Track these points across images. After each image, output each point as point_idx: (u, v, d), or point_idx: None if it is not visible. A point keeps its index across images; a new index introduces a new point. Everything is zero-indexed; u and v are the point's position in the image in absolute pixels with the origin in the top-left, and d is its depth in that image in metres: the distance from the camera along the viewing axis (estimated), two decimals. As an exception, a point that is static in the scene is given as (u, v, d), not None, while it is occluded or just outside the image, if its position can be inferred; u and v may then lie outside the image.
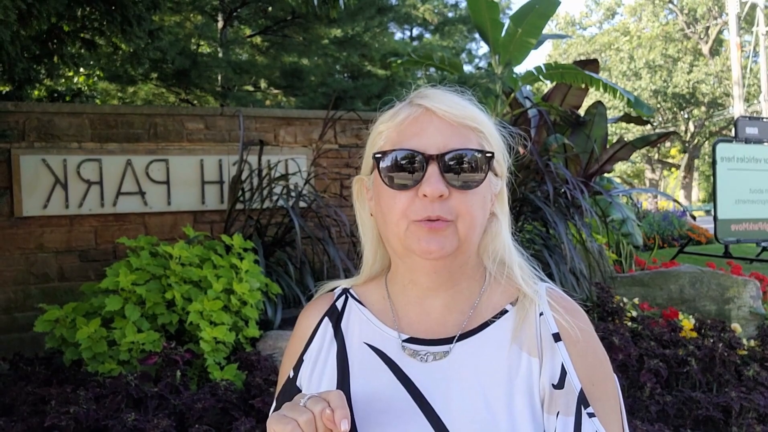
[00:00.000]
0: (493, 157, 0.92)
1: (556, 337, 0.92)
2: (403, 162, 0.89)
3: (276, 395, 1.03)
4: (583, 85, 7.37)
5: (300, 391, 0.97)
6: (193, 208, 4.53)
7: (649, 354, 3.49)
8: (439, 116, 0.90)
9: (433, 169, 0.87)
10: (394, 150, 0.90)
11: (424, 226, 0.87)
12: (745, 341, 3.84)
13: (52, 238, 4.15)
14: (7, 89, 4.64)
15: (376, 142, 0.95)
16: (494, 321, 0.95)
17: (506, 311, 0.96)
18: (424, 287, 0.95)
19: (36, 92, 6.45)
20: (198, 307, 3.16)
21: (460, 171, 0.88)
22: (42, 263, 4.12)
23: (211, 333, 3.07)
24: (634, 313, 4.23)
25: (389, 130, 0.94)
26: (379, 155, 0.91)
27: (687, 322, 4.06)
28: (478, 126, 0.92)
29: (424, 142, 0.89)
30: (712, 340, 3.72)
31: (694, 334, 3.95)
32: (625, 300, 4.37)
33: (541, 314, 0.94)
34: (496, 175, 0.96)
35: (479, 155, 0.90)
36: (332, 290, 1.07)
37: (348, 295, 1.05)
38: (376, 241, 1.02)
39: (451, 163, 0.88)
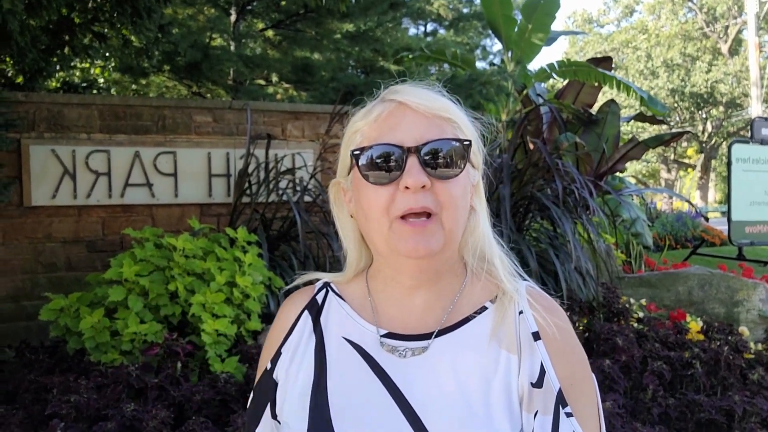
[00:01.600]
0: (470, 145, 0.92)
1: (536, 336, 0.91)
2: (382, 157, 0.88)
3: (253, 388, 1.03)
4: (597, 83, 7.31)
5: (276, 384, 0.98)
6: (200, 200, 4.55)
7: (653, 356, 3.46)
8: (412, 109, 0.90)
9: (412, 161, 0.87)
10: (371, 146, 0.90)
11: (408, 225, 0.87)
12: (752, 345, 3.80)
13: (60, 227, 4.19)
14: (19, 80, 4.68)
15: (353, 141, 0.95)
16: (474, 317, 0.94)
17: (485, 308, 0.96)
18: (408, 285, 0.95)
19: (53, 83, 6.50)
20: (200, 299, 3.17)
21: (440, 161, 0.88)
22: (50, 253, 4.16)
23: (212, 325, 3.08)
24: (641, 314, 4.20)
25: (365, 128, 0.93)
26: (357, 152, 0.91)
27: (694, 325, 4.02)
28: (451, 117, 0.92)
29: (401, 136, 0.89)
30: (718, 343, 3.67)
31: (701, 337, 3.90)
32: (632, 301, 4.34)
33: (520, 312, 0.94)
34: (473, 166, 0.96)
35: (457, 144, 0.90)
36: (313, 283, 1.07)
37: (328, 289, 1.05)
38: (358, 243, 1.02)
39: (430, 154, 0.88)
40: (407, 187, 0.86)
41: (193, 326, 3.24)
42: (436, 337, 0.93)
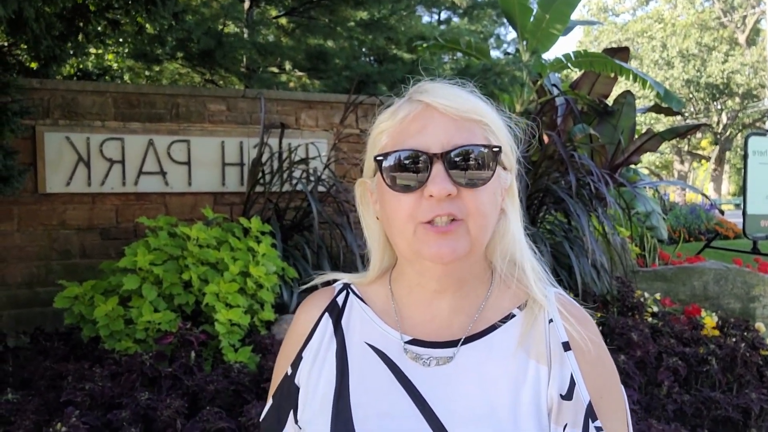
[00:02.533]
0: (500, 151, 0.88)
1: (566, 347, 0.89)
2: (406, 162, 0.85)
3: (272, 392, 1.00)
4: (613, 74, 7.22)
5: (298, 389, 0.95)
6: (214, 189, 4.54)
7: (669, 351, 3.43)
8: (440, 111, 0.86)
9: (438, 167, 0.83)
10: (395, 151, 0.86)
11: (432, 230, 0.84)
12: (768, 341, 3.76)
13: (74, 215, 4.20)
14: (34, 65, 4.68)
15: (377, 142, 0.92)
16: (501, 325, 0.91)
17: (513, 315, 0.92)
18: (432, 290, 0.92)
19: (70, 69, 6.50)
20: (214, 288, 3.17)
21: (467, 168, 0.84)
22: (64, 240, 4.18)
23: (226, 315, 3.08)
24: (655, 309, 4.16)
25: (390, 130, 0.90)
26: (380, 157, 0.87)
27: (709, 320, 3.98)
28: (482, 119, 0.88)
29: (427, 140, 0.85)
30: (734, 339, 3.64)
31: (717, 333, 3.87)
32: (646, 295, 4.30)
33: (550, 321, 0.91)
34: (504, 168, 0.92)
35: (486, 150, 0.86)
36: (332, 284, 1.04)
37: (349, 291, 1.01)
38: (383, 245, 0.98)
39: (457, 160, 0.84)
40: (431, 195, 0.83)
41: (207, 316, 3.25)
42: (462, 345, 0.90)
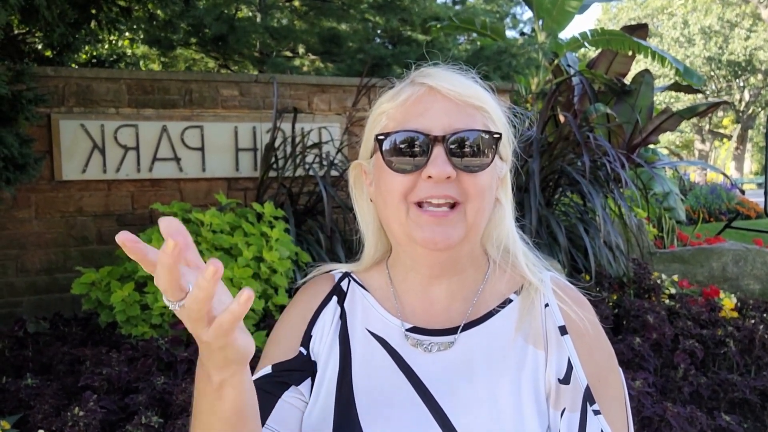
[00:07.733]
0: (500, 138, 0.87)
1: (563, 330, 0.89)
2: (407, 143, 0.85)
3: (269, 361, 0.93)
4: (631, 52, 7.11)
5: (314, 364, 0.92)
6: (227, 174, 4.56)
7: (685, 334, 3.40)
8: (443, 95, 0.86)
9: (438, 150, 0.83)
10: (397, 131, 0.86)
11: (427, 214, 0.84)
12: (788, 323, 3.70)
13: (90, 202, 4.24)
14: (48, 54, 4.70)
15: (378, 123, 0.91)
16: (499, 310, 0.92)
17: (510, 300, 0.93)
18: (427, 275, 0.92)
19: (84, 56, 6.53)
20: (228, 274, 3.19)
21: (467, 153, 0.84)
22: (81, 226, 4.22)
23: (240, 300, 3.10)
24: (673, 291, 4.12)
25: (391, 111, 0.89)
26: (381, 137, 0.87)
27: (728, 302, 3.93)
28: (483, 105, 0.88)
29: (429, 123, 0.85)
30: (753, 321, 3.59)
31: (735, 314, 3.82)
32: (663, 277, 4.25)
33: (546, 305, 0.91)
34: (501, 158, 0.92)
35: (486, 136, 0.85)
36: (330, 273, 1.03)
37: (350, 278, 1.01)
38: (377, 229, 0.98)
39: (457, 144, 0.84)
40: (430, 176, 0.83)
41: (221, 300, 3.26)
42: (462, 331, 0.90)
